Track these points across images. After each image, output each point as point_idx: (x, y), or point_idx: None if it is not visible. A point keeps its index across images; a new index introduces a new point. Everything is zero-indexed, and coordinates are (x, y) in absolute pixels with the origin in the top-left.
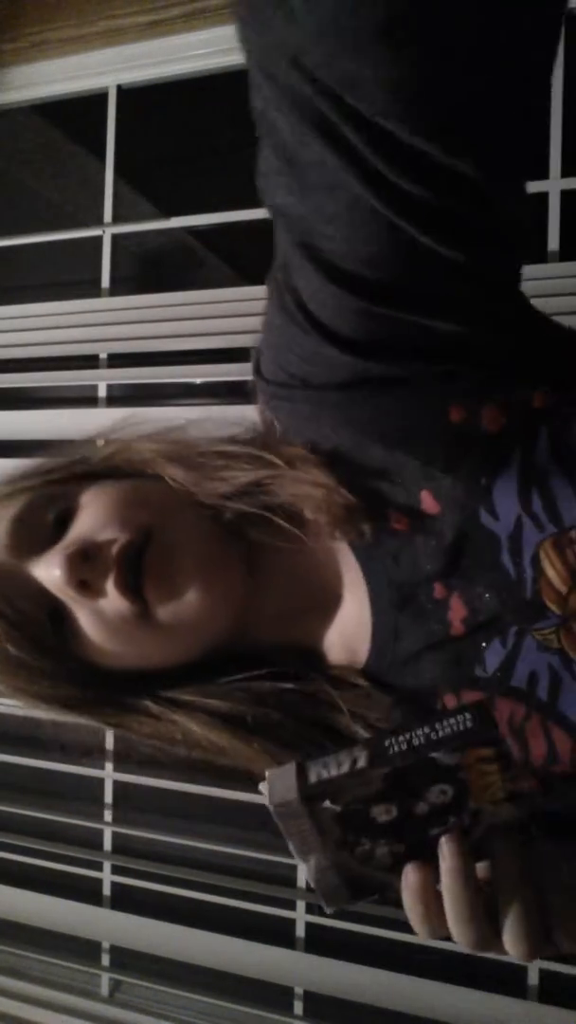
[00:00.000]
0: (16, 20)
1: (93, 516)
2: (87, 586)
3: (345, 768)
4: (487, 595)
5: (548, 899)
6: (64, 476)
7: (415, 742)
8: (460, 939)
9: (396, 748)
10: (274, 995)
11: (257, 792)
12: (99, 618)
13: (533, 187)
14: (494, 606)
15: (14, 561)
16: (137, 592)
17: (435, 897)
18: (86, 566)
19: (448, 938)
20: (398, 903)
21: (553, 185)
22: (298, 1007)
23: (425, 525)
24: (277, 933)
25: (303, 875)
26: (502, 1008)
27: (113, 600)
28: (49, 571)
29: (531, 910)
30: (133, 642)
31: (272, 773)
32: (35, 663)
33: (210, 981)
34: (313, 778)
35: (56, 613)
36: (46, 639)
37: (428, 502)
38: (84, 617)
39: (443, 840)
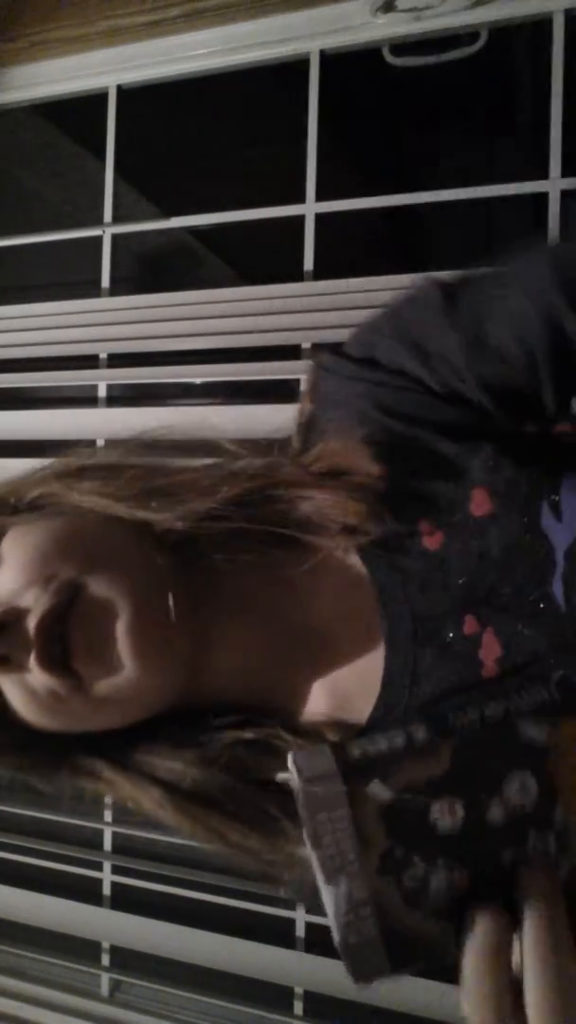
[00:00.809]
0: (16, 20)
1: (12, 573)
2: (8, 661)
3: (400, 741)
4: (527, 631)
5: None
6: None
7: (488, 712)
8: None
9: (464, 720)
10: (274, 995)
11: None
12: (27, 692)
13: (533, 187)
14: (535, 644)
15: None
16: (65, 666)
17: (509, 979)
18: (3, 639)
19: None
20: (450, 968)
21: (553, 185)
22: (298, 1007)
23: (467, 535)
24: (277, 933)
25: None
26: None
27: (34, 676)
28: None
29: None
30: (67, 715)
31: (299, 753)
32: None
33: (210, 981)
34: (356, 751)
35: None
36: None
37: (480, 501)
38: (10, 691)
39: (529, 883)
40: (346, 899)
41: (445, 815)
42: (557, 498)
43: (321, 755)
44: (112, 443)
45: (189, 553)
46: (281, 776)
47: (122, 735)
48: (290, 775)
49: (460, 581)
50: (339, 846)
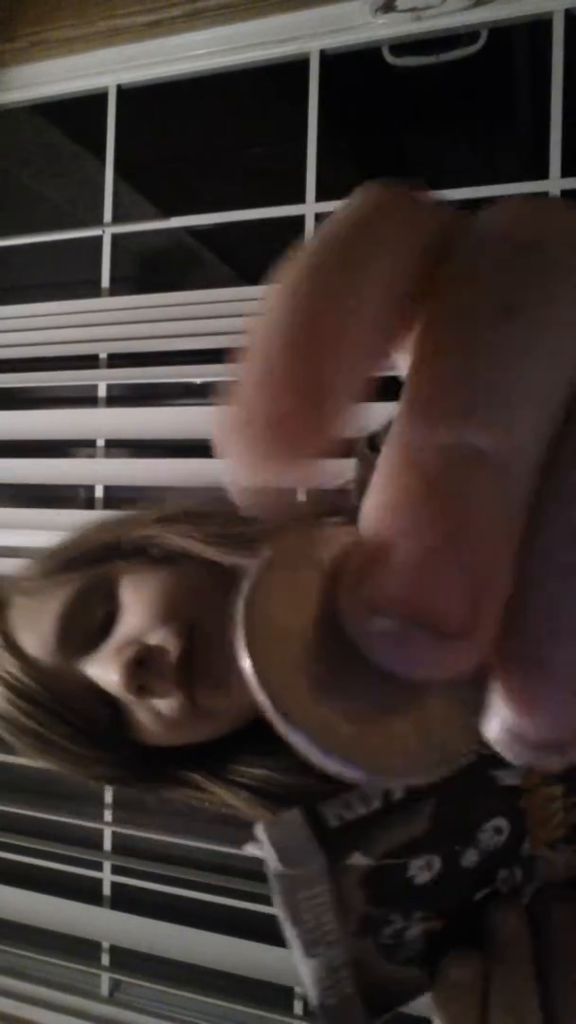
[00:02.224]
0: (16, 20)
1: (139, 616)
2: (144, 689)
3: (377, 804)
4: None
5: None
6: (93, 558)
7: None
8: None
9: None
10: (274, 995)
11: None
12: (155, 715)
13: (533, 187)
14: None
15: (63, 661)
16: (190, 690)
17: (482, 1009)
18: (141, 671)
19: None
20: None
21: (553, 185)
22: (298, 1007)
23: None
24: (277, 933)
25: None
26: None
27: (171, 700)
28: (107, 675)
29: None
30: (187, 730)
31: (269, 825)
32: (91, 755)
33: (210, 981)
34: (334, 821)
35: (112, 707)
36: (99, 732)
37: None
38: (141, 715)
39: (497, 921)
40: (326, 968)
41: (423, 871)
42: None
43: (294, 827)
44: (195, 491)
45: None
46: (249, 848)
47: (213, 748)
48: (260, 849)
49: None
50: (319, 920)
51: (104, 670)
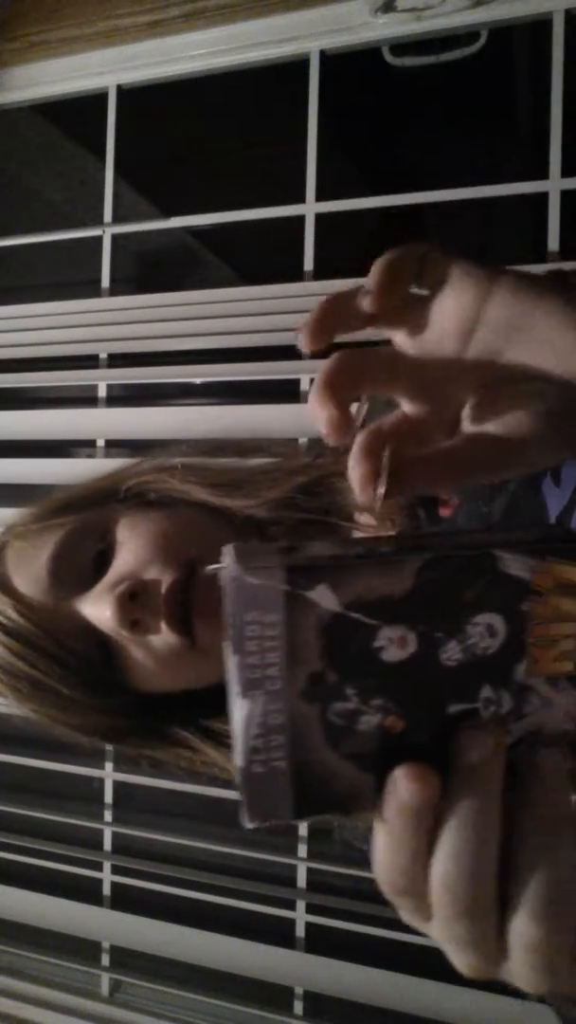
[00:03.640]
0: (16, 20)
1: (135, 552)
2: (138, 624)
3: (358, 550)
4: None
5: None
6: (89, 503)
7: (465, 540)
8: (450, 943)
9: (438, 540)
10: (274, 995)
11: None
12: (150, 652)
13: (533, 187)
14: None
15: (58, 600)
16: (186, 626)
17: (426, 849)
18: (135, 606)
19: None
20: (363, 830)
21: (553, 185)
22: (298, 1007)
23: (478, 500)
24: (277, 933)
25: (303, 875)
26: (502, 1008)
27: (164, 636)
28: (99, 611)
29: (569, 922)
30: (182, 670)
31: (238, 543)
32: (85, 700)
33: (210, 981)
34: (308, 552)
35: (103, 648)
36: (96, 676)
37: None
38: (135, 652)
39: (468, 741)
40: (259, 720)
41: (393, 645)
42: (560, 465)
43: (265, 549)
44: (188, 442)
45: (264, 539)
46: (210, 567)
47: (207, 706)
48: (223, 564)
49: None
50: (264, 655)
51: (97, 607)
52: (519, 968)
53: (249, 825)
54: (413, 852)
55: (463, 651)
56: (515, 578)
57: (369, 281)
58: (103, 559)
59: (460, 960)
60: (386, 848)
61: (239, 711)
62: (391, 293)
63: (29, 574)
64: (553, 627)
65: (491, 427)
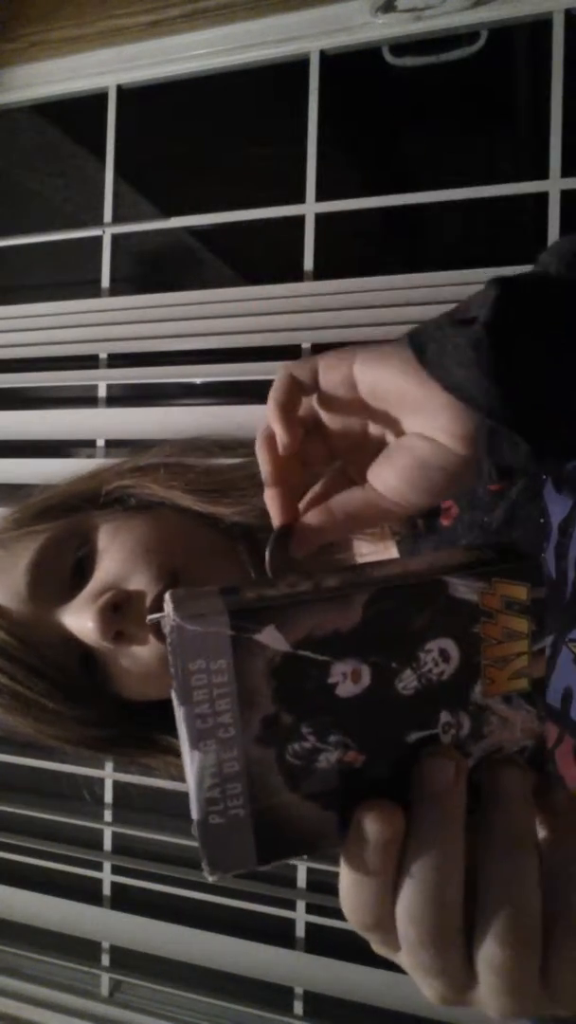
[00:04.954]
0: (16, 20)
1: (117, 561)
2: (122, 636)
3: (304, 587)
4: (548, 634)
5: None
6: (69, 508)
7: (411, 567)
8: (418, 973)
9: (383, 571)
10: (274, 995)
11: None
12: (136, 663)
13: (533, 187)
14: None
15: (37, 611)
16: None
17: (393, 881)
18: (118, 617)
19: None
20: (330, 857)
21: (553, 185)
22: (298, 1007)
23: (479, 509)
24: (277, 933)
25: (303, 875)
26: None
27: (150, 646)
28: (81, 622)
29: (534, 944)
30: (166, 679)
31: (179, 590)
32: (69, 712)
33: (210, 981)
34: (251, 594)
35: (86, 659)
36: (78, 687)
37: None
38: (120, 663)
39: (429, 769)
40: (213, 770)
41: (347, 680)
42: (562, 472)
43: (204, 593)
44: (170, 442)
45: (250, 543)
46: (152, 617)
47: None
48: (165, 613)
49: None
50: (214, 704)
51: (79, 618)
52: (488, 994)
53: (211, 878)
54: (380, 887)
55: (418, 679)
56: (464, 601)
57: (273, 424)
58: (83, 567)
59: (429, 989)
60: (352, 885)
61: (192, 764)
62: (292, 423)
63: (7, 584)
64: (505, 646)
65: (378, 483)
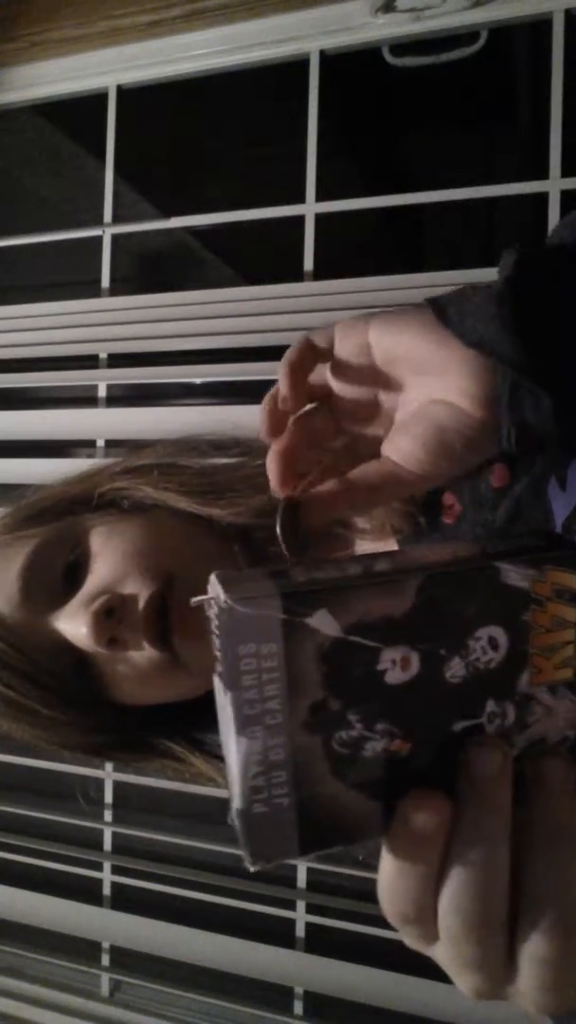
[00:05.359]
0: (16, 20)
1: (110, 565)
2: (116, 641)
3: (356, 569)
4: None
5: None
6: (61, 511)
7: (461, 553)
8: (457, 965)
9: (433, 557)
10: (274, 995)
11: None
12: (129, 668)
13: (533, 187)
14: None
15: (30, 616)
16: (166, 642)
17: (437, 872)
18: (112, 622)
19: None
20: (369, 856)
21: (553, 185)
22: (298, 1007)
23: (482, 507)
24: (277, 933)
25: (303, 875)
26: (502, 1008)
27: (145, 652)
28: (75, 628)
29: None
30: (165, 684)
31: (226, 573)
32: (64, 718)
33: (210, 981)
34: (302, 577)
35: (80, 665)
36: (72, 693)
37: (500, 474)
38: (113, 668)
39: (476, 758)
40: (259, 757)
41: (396, 666)
42: (565, 471)
43: (254, 576)
44: (164, 442)
45: (246, 545)
46: (195, 599)
47: (193, 716)
48: (211, 594)
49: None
50: (262, 689)
51: (73, 624)
52: (530, 987)
53: (253, 868)
54: (424, 877)
55: (466, 667)
56: (515, 588)
57: (280, 381)
58: (76, 571)
59: (466, 982)
60: (395, 875)
61: (237, 751)
62: (298, 382)
63: None
64: (553, 635)
65: (394, 454)
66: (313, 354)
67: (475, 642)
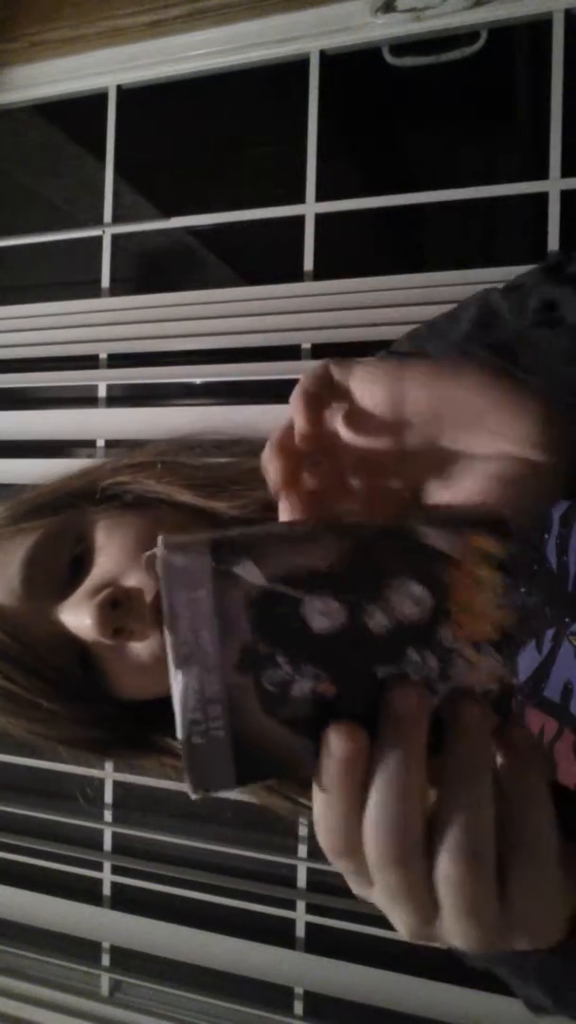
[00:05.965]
0: (16, 20)
1: (114, 558)
2: (122, 631)
3: (281, 528)
4: (523, 588)
5: (528, 846)
6: (64, 504)
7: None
8: (385, 897)
9: (360, 520)
10: (274, 995)
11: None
12: (133, 660)
13: (533, 187)
14: (531, 601)
15: (33, 608)
16: None
17: (360, 805)
18: (117, 613)
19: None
20: (303, 784)
21: (553, 185)
22: (298, 1007)
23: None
24: (277, 933)
25: (303, 875)
26: (502, 1008)
27: (149, 643)
28: (79, 619)
29: (488, 862)
30: (164, 678)
31: (171, 535)
32: (66, 712)
33: (210, 981)
34: (235, 533)
35: (82, 658)
36: (76, 687)
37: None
38: (118, 660)
39: (394, 695)
40: (196, 693)
41: (320, 614)
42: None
43: (194, 537)
44: (165, 440)
45: None
46: (146, 553)
47: None
48: (156, 550)
49: None
50: (196, 631)
51: (76, 615)
52: (449, 919)
53: (194, 796)
54: (346, 808)
55: (388, 618)
56: (435, 548)
57: (294, 411)
58: (80, 564)
59: (399, 918)
60: (323, 808)
61: (177, 685)
62: (320, 426)
63: (1, 581)
64: (474, 593)
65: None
66: (331, 388)
67: (397, 595)
